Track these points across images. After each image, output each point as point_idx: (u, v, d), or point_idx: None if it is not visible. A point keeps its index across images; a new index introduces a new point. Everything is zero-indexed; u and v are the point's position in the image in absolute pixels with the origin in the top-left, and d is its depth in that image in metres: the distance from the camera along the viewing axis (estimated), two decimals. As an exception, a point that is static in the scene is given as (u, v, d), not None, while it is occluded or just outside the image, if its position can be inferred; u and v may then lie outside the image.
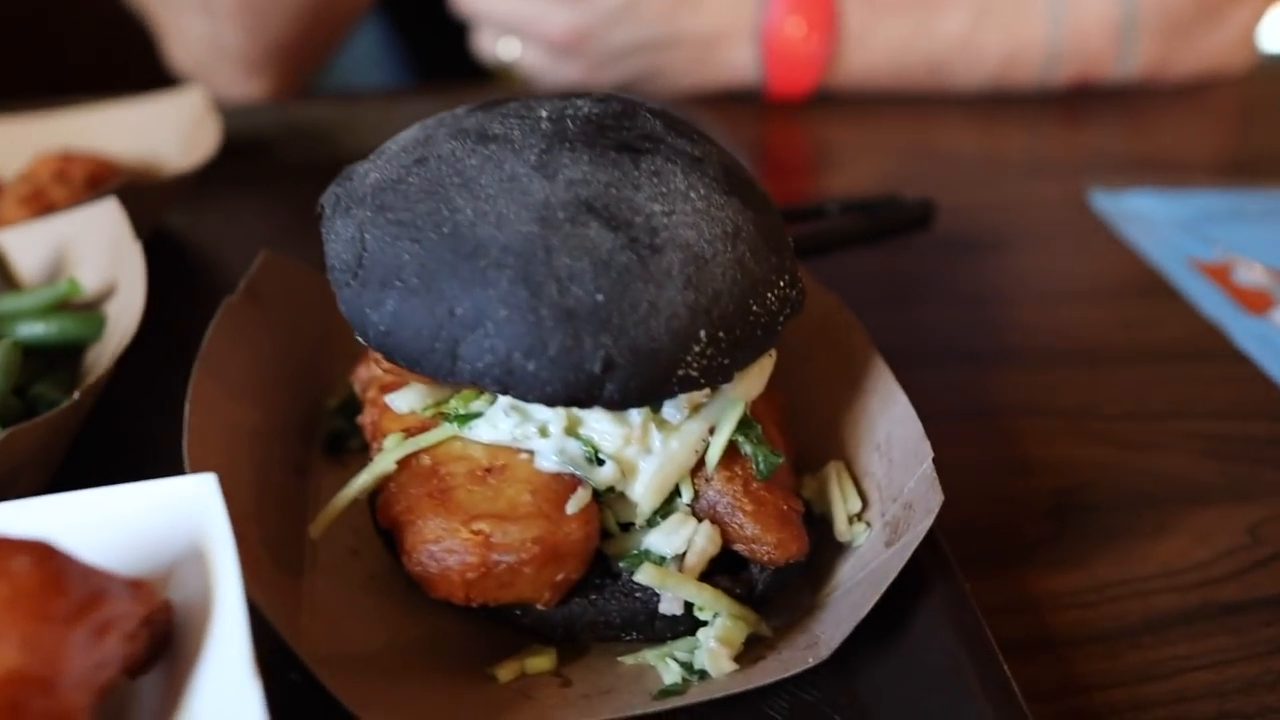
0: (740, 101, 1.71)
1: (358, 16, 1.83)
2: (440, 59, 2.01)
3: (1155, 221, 1.38)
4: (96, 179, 1.17)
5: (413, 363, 0.64)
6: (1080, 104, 1.77)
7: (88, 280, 0.94)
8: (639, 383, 0.62)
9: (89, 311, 0.92)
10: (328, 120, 1.57)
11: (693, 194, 0.67)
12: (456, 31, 1.79)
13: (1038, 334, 1.15)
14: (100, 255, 0.95)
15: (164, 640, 0.58)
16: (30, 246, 0.98)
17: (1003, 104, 1.75)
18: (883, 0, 1.65)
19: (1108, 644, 0.77)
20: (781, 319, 0.70)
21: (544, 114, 0.70)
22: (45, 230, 0.98)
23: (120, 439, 0.91)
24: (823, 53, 1.64)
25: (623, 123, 0.70)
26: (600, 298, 0.61)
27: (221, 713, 0.53)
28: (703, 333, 0.64)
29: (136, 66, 1.80)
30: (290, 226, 1.00)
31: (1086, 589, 0.82)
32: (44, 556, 0.51)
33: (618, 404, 0.62)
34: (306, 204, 0.98)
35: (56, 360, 0.91)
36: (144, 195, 1.05)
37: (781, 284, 0.70)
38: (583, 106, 0.71)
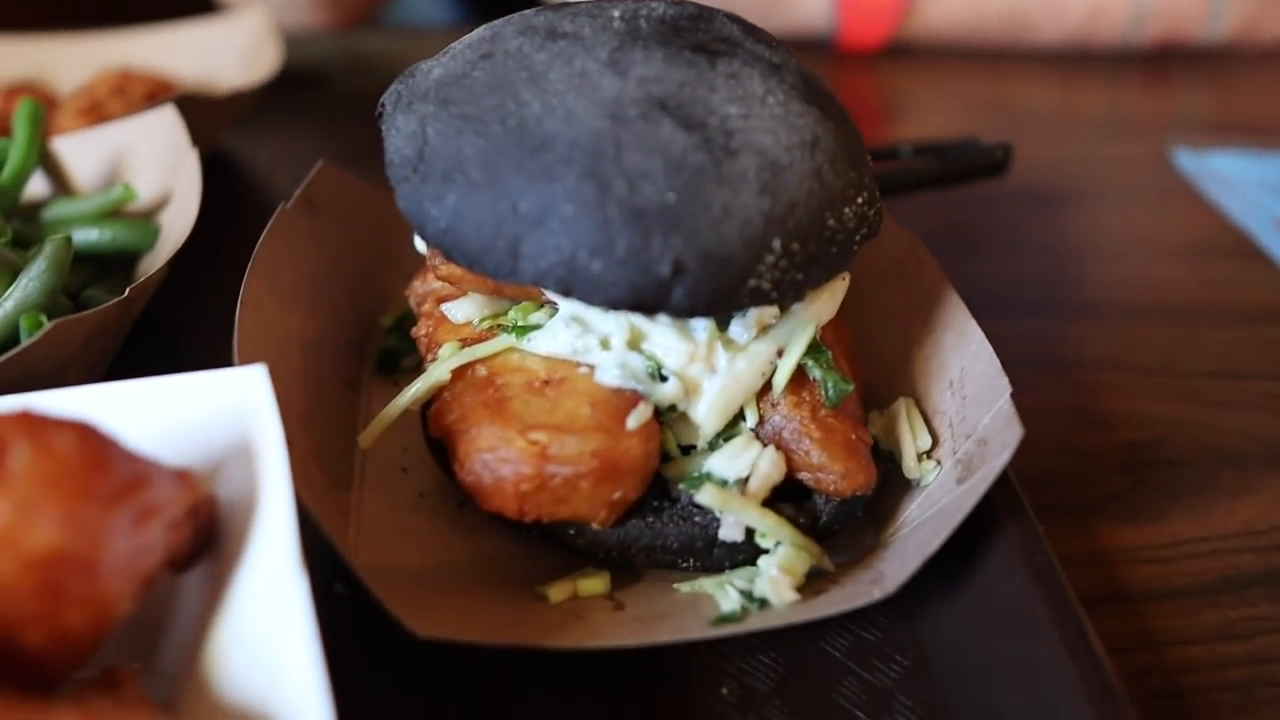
0: (811, 51, 1.66)
1: None
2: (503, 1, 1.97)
3: (1241, 182, 1.32)
4: (154, 96, 1.16)
5: (473, 261, 0.61)
6: (1164, 63, 1.70)
7: (143, 189, 0.92)
8: (709, 289, 0.59)
9: (143, 219, 0.90)
10: (387, 52, 1.55)
11: (770, 99, 0.63)
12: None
13: (1116, 289, 1.10)
14: (156, 163, 0.93)
15: (208, 535, 0.57)
16: (87, 153, 0.97)
17: (1083, 61, 1.68)
18: None
19: (1184, 601, 0.73)
20: (858, 238, 0.66)
21: (616, 14, 0.67)
22: (102, 137, 0.96)
23: (168, 347, 0.90)
24: (898, 1, 1.58)
25: (698, 24, 0.67)
26: (671, 198, 0.58)
27: (266, 608, 0.51)
28: (776, 242, 0.60)
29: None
30: (346, 154, 0.98)
31: (1163, 544, 0.78)
32: (87, 435, 0.49)
33: (685, 310, 0.59)
34: (363, 133, 0.96)
35: (110, 268, 0.90)
36: (201, 110, 1.04)
37: (859, 201, 0.66)
38: (657, 8, 0.68)
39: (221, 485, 0.58)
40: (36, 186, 0.96)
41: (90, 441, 0.50)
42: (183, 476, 0.54)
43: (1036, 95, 1.61)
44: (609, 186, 0.58)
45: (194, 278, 0.91)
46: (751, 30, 0.69)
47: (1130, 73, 1.67)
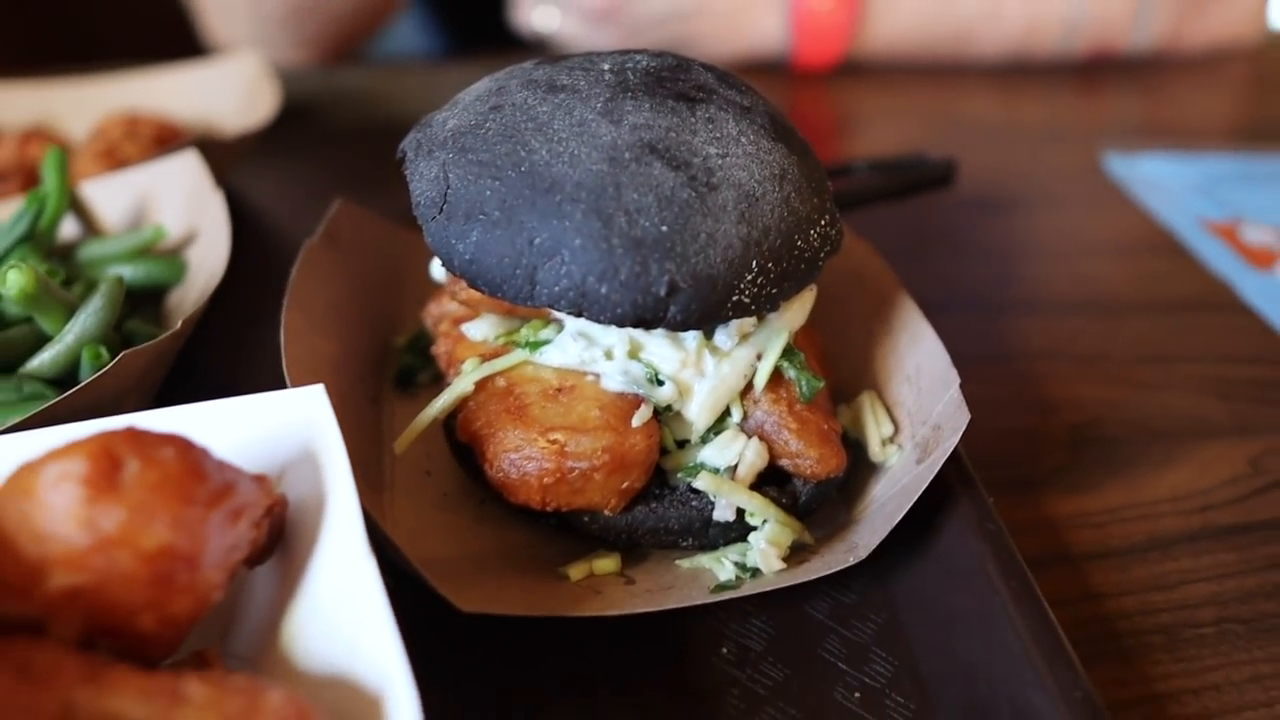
0: (768, 71, 1.77)
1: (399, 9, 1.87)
2: (478, 29, 2.06)
3: (1168, 184, 1.44)
4: (162, 138, 1.24)
5: (495, 288, 0.71)
6: (1096, 74, 1.83)
7: (169, 228, 1.00)
8: (699, 306, 0.69)
9: (171, 257, 0.99)
10: (372, 87, 1.63)
11: (744, 139, 0.73)
12: (494, 2, 1.85)
13: (1054, 286, 1.22)
14: (179, 204, 1.02)
15: (279, 533, 0.66)
16: (112, 197, 1.05)
17: (1022, 73, 1.81)
18: None
19: (1118, 559, 0.84)
20: (823, 255, 0.77)
21: (606, 67, 0.77)
22: (126, 181, 1.05)
23: (190, 371, 0.98)
24: (850, 21, 1.70)
25: (678, 75, 0.77)
26: (665, 229, 0.68)
27: (342, 592, 0.60)
28: (754, 263, 0.70)
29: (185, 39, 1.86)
30: (339, 186, 1.06)
31: (1098, 511, 0.89)
32: (185, 448, 0.58)
33: (679, 325, 0.69)
34: (356, 164, 1.03)
35: (139, 303, 0.98)
36: (213, 152, 1.12)
37: (823, 223, 0.76)
38: (641, 60, 0.78)
39: (287, 489, 0.67)
40: (65, 228, 1.04)
41: (187, 453, 0.59)
42: (261, 480, 0.63)
43: (980, 107, 1.73)
44: (611, 221, 0.68)
45: (206, 308, 0.99)
46: (724, 77, 0.79)
47: (1066, 83, 1.80)
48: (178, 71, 1.42)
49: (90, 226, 1.05)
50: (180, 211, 1.02)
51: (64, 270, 0.90)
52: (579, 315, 0.69)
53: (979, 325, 1.14)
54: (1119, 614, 0.79)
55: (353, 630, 0.59)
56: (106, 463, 0.56)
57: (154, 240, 0.98)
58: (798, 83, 1.76)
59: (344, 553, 0.61)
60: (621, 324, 0.69)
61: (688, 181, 0.69)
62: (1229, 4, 1.82)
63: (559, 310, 0.70)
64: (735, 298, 0.70)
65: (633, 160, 0.69)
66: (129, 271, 0.97)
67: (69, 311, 0.85)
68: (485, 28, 1.91)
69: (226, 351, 1.00)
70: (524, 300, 0.70)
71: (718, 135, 0.73)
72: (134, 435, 0.58)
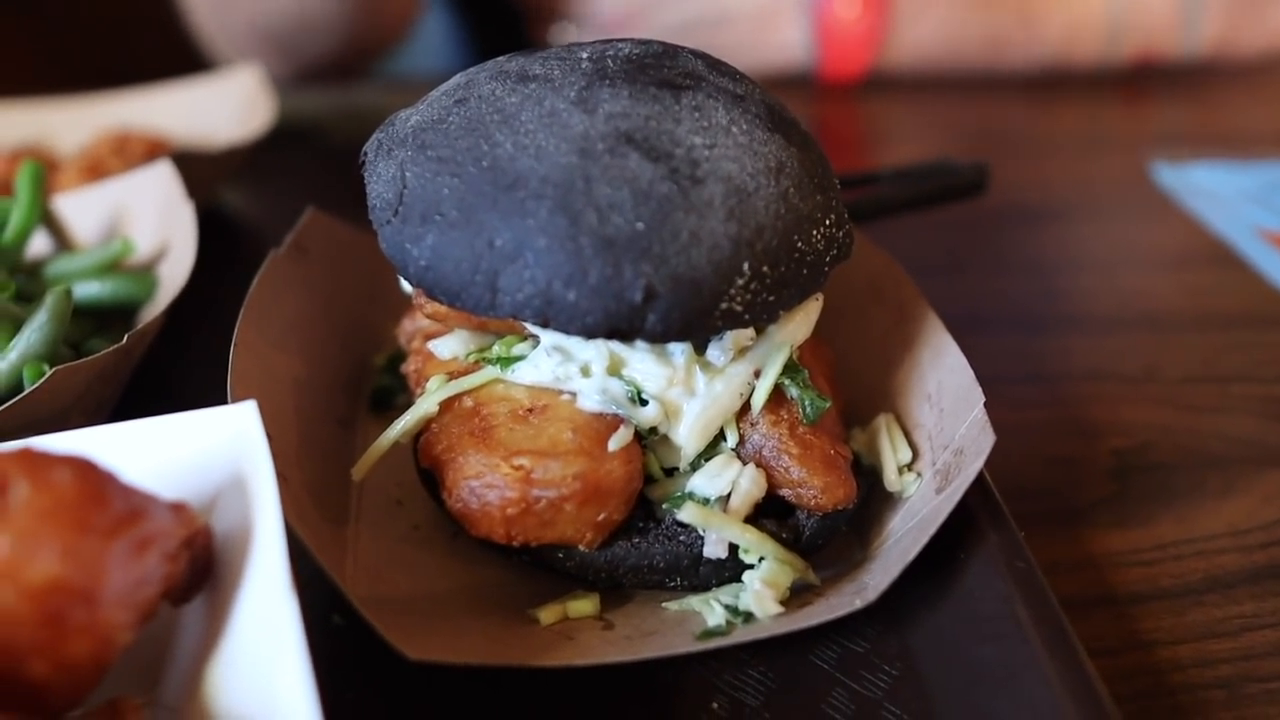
0: (793, 85, 1.69)
1: (399, 36, 1.80)
2: (504, 46, 2.00)
3: (1221, 193, 1.34)
4: (153, 154, 1.19)
5: (453, 297, 0.63)
6: (1142, 82, 1.73)
7: (142, 242, 0.95)
8: (681, 313, 0.61)
9: (142, 272, 0.93)
10: (381, 105, 1.57)
11: (735, 129, 0.66)
12: (514, 18, 1.80)
13: (1098, 301, 1.12)
14: (153, 218, 0.96)
15: (205, 566, 0.58)
16: (86, 211, 1.00)
17: (1062, 84, 1.71)
18: None
19: (1171, 601, 0.75)
20: (828, 259, 0.68)
21: (584, 55, 0.70)
22: (101, 194, 0.99)
23: (167, 394, 0.92)
24: (877, 30, 1.62)
25: (663, 62, 0.69)
26: (640, 226, 0.60)
27: (260, 634, 0.53)
28: (746, 266, 0.62)
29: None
30: (341, 206, 1.02)
31: (1148, 547, 0.79)
32: (85, 470, 0.51)
33: (660, 335, 0.61)
34: (356, 184, 0.97)
35: (110, 320, 0.92)
36: (197, 165, 1.07)
37: (827, 223, 0.68)
38: (623, 48, 0.71)
39: (218, 519, 0.60)
40: (40, 244, 0.99)
41: (87, 476, 0.52)
42: (178, 509, 0.56)
43: (1017, 119, 1.64)
44: (580, 218, 0.60)
45: (192, 327, 0.93)
46: (715, 64, 0.72)
47: (1109, 92, 1.70)
48: (175, 89, 1.38)
49: (63, 242, 1.00)
50: (154, 225, 0.96)
51: (15, 284, 0.84)
52: (545, 326, 0.62)
53: (1017, 344, 1.05)
54: (1171, 665, 0.69)
55: (270, 680, 0.51)
56: (-11, 486, 0.50)
57: (122, 255, 0.92)
58: (824, 97, 1.68)
59: (265, 592, 0.54)
60: (593, 335, 0.61)
61: (668, 174, 0.62)
62: (1287, 7, 1.71)
63: (524, 320, 0.62)
64: (724, 305, 0.62)
65: (606, 152, 0.62)
66: (96, 288, 0.91)
67: (17, 328, 0.79)
68: (511, 44, 1.84)
69: (206, 372, 0.94)
70: (485, 310, 0.62)
71: (705, 124, 0.65)
72: (27, 456, 0.51)
